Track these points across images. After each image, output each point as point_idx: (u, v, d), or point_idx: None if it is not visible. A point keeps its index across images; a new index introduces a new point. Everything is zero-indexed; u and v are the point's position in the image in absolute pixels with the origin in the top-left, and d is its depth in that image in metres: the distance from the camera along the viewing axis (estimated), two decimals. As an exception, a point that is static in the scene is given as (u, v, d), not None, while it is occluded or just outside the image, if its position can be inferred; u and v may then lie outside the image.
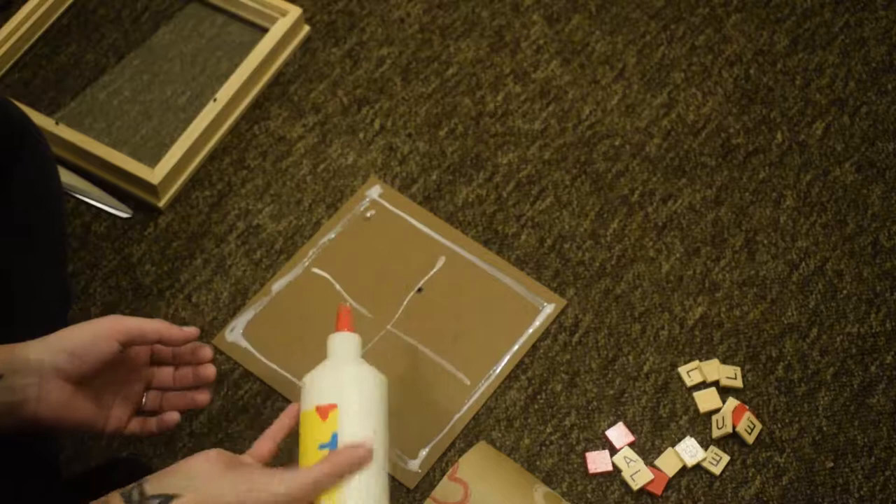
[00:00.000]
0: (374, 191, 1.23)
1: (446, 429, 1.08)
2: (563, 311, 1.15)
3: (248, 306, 1.15)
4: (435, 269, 1.17)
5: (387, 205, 1.22)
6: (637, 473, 1.05)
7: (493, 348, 1.13)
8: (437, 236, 1.19)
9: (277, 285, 1.17)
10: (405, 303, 1.15)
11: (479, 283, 1.16)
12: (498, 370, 1.11)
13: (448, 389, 1.10)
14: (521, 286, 1.16)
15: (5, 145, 0.95)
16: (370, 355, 1.11)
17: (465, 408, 1.09)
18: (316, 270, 1.18)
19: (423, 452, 1.07)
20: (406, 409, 1.09)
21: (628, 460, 1.06)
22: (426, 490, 1.05)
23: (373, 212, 1.21)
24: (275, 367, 1.12)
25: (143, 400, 0.85)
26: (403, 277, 1.17)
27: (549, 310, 1.15)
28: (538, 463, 1.07)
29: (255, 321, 1.14)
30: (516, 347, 1.13)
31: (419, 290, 1.16)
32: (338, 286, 1.16)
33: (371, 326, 1.14)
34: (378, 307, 1.15)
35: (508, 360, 1.12)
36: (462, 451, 1.07)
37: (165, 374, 0.86)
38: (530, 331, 1.14)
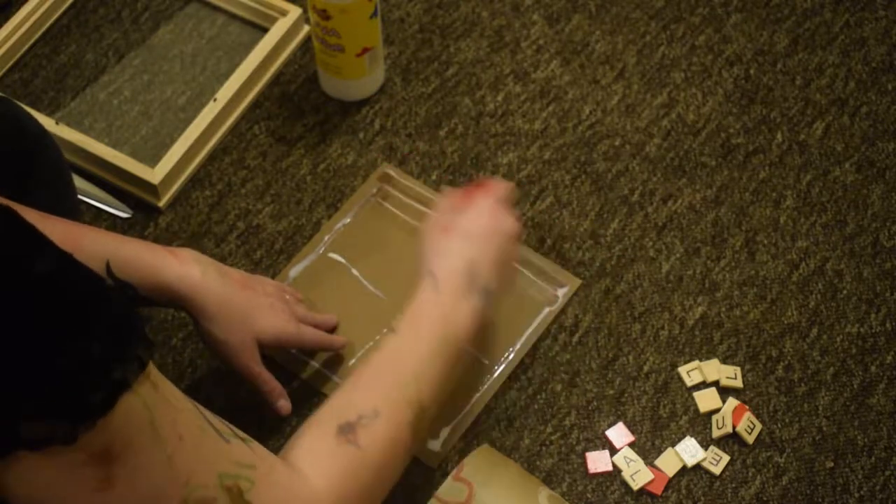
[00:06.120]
0: (386, 177, 1.24)
1: (467, 408, 1.09)
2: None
3: None
4: None
5: (399, 190, 1.23)
6: (637, 473, 1.05)
7: (511, 329, 1.14)
8: None
9: (294, 271, 1.18)
10: None
11: None
12: (516, 349, 1.12)
13: (467, 369, 1.11)
14: (536, 267, 1.17)
15: (21, 162, 0.94)
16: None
17: (485, 387, 1.10)
18: (332, 255, 1.18)
19: (445, 431, 1.08)
20: None
21: (628, 460, 1.06)
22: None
23: (386, 197, 1.22)
24: (295, 352, 1.12)
25: None
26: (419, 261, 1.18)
27: (564, 290, 1.16)
28: (538, 463, 1.07)
29: None
30: (533, 327, 1.14)
31: None
32: (354, 270, 1.17)
33: (388, 309, 1.14)
34: (394, 290, 1.16)
35: (526, 340, 1.13)
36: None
37: None
38: (546, 311, 1.15)
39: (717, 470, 1.06)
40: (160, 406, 0.70)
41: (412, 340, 0.90)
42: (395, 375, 0.87)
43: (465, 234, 0.97)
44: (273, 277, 1.17)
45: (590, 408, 1.10)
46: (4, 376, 0.62)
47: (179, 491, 0.71)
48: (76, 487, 0.67)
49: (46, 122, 1.22)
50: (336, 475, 0.80)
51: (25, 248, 0.64)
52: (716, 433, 1.08)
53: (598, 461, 1.07)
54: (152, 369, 0.70)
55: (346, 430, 0.82)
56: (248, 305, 1.01)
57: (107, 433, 0.66)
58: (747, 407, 1.09)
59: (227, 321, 0.99)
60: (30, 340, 0.63)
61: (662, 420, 1.09)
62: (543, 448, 1.08)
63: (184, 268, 0.98)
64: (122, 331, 0.68)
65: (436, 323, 0.91)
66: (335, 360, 1.12)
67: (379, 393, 0.85)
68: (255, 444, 0.78)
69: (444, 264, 0.95)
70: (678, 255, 1.19)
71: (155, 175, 1.20)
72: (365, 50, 1.23)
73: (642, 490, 1.05)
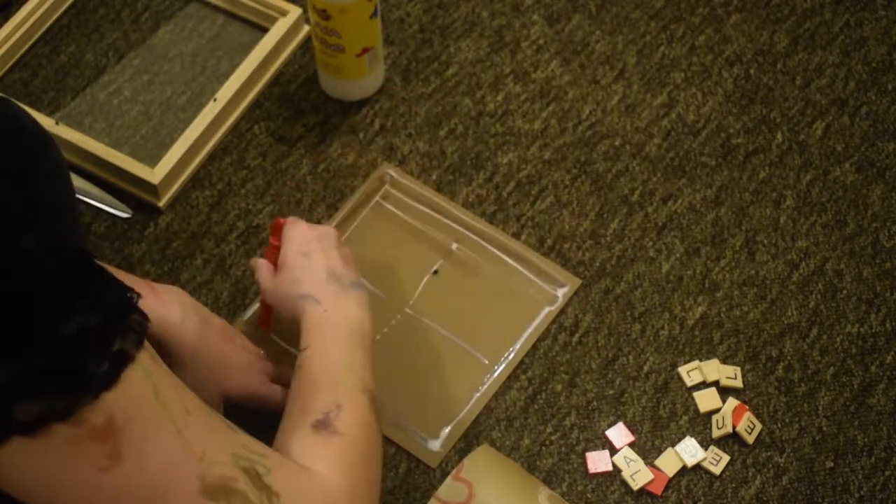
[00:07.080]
0: (387, 177, 1.23)
1: (467, 408, 1.09)
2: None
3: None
4: (449, 253, 1.18)
5: (399, 190, 1.23)
6: (637, 473, 1.05)
7: (510, 329, 1.14)
8: (450, 220, 1.20)
9: None
10: (421, 285, 1.16)
11: (493, 266, 1.18)
12: (516, 350, 1.12)
13: (467, 369, 1.11)
14: (537, 268, 1.17)
15: (20, 162, 0.94)
16: (388, 338, 1.13)
17: (485, 387, 1.10)
18: None
19: (445, 431, 1.08)
20: (426, 389, 1.10)
21: (628, 460, 1.06)
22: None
23: (386, 197, 1.22)
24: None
25: None
26: (418, 261, 1.18)
27: (564, 290, 1.16)
28: (538, 463, 1.07)
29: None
30: (533, 327, 1.14)
31: (435, 272, 1.17)
32: None
33: (388, 309, 1.15)
34: (394, 290, 1.16)
35: (525, 340, 1.13)
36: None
37: None
38: (546, 311, 1.15)
39: (717, 470, 1.06)
40: (163, 378, 0.68)
41: (324, 347, 0.92)
42: (331, 375, 0.89)
43: (304, 255, 1.00)
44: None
45: (590, 408, 1.10)
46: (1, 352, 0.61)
47: (195, 466, 0.68)
48: (80, 467, 0.65)
49: (46, 122, 1.22)
50: (335, 462, 0.82)
51: (11, 224, 0.62)
52: (716, 433, 1.08)
53: (598, 461, 1.07)
54: (148, 345, 0.67)
55: (321, 426, 0.84)
56: (222, 361, 0.98)
57: (109, 405, 0.64)
58: (747, 407, 1.09)
59: (198, 373, 0.95)
60: (25, 314, 0.61)
61: (662, 420, 1.09)
62: (543, 448, 1.08)
63: (163, 309, 0.94)
64: (116, 303, 0.66)
65: (333, 325, 0.93)
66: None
67: (329, 391, 0.88)
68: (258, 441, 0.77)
69: (309, 283, 0.97)
70: (678, 255, 1.19)
71: (155, 175, 1.20)
72: (365, 50, 1.23)
73: (642, 490, 1.05)
